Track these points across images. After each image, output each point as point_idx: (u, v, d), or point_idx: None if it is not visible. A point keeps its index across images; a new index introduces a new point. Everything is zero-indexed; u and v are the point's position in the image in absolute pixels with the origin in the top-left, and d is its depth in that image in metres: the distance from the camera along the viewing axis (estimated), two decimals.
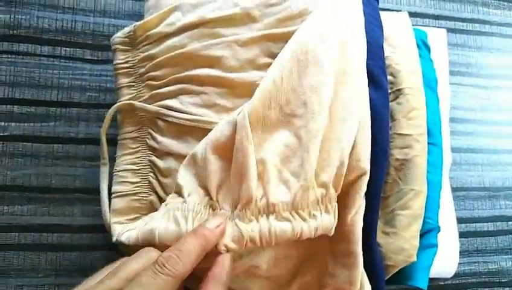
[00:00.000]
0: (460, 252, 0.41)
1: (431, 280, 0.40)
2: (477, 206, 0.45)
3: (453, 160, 0.44)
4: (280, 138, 0.26)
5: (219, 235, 0.24)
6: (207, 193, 0.26)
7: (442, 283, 0.42)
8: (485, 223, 0.44)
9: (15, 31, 0.37)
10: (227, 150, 0.26)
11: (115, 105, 0.32)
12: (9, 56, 0.37)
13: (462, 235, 0.43)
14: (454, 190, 0.44)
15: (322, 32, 0.27)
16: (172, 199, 0.27)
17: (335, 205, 0.26)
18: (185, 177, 0.27)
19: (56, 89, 0.37)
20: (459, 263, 0.41)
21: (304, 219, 0.25)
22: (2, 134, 0.36)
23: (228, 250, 0.25)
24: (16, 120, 0.36)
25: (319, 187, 0.26)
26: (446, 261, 0.38)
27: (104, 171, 0.32)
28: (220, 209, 0.26)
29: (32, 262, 0.35)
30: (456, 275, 0.41)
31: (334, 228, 0.26)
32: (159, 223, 0.25)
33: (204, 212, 0.26)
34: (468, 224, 0.44)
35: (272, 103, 0.26)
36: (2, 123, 0.36)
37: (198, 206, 0.26)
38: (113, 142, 0.34)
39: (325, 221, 0.25)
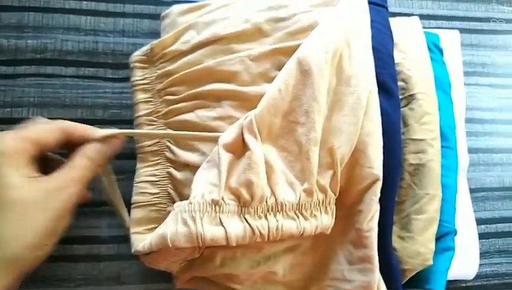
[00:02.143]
0: (481, 253, 0.41)
1: (453, 281, 0.41)
2: (497, 207, 0.44)
3: (472, 161, 0.43)
4: (283, 143, 0.28)
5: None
6: (213, 190, 0.27)
7: (464, 285, 0.42)
8: (507, 224, 0.44)
9: (42, 55, 0.40)
10: (236, 149, 0.28)
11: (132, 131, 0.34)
12: (37, 78, 0.39)
13: (483, 236, 0.43)
14: (473, 191, 0.43)
15: (327, 43, 0.28)
16: (179, 203, 0.27)
17: (333, 206, 0.29)
18: (196, 180, 0.28)
19: (81, 107, 0.39)
20: (481, 265, 0.41)
21: (306, 218, 0.27)
22: None
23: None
24: None
25: (320, 191, 0.28)
26: (466, 263, 0.38)
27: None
28: (226, 205, 0.26)
29: (64, 272, 0.37)
30: (478, 277, 0.41)
31: (331, 227, 0.29)
32: (169, 227, 0.26)
33: (210, 211, 0.26)
34: (488, 225, 0.44)
35: (276, 110, 0.28)
36: None
37: (203, 205, 0.26)
38: (132, 156, 0.35)
39: (324, 221, 0.28)
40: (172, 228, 0.26)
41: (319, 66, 0.28)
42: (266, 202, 0.26)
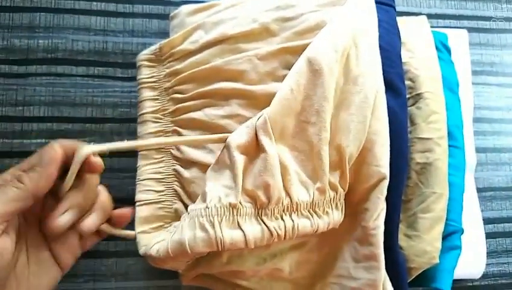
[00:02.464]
0: (488, 253, 0.40)
1: (459, 281, 0.41)
2: (505, 207, 0.44)
3: (480, 160, 0.43)
4: (294, 142, 0.28)
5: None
6: (230, 193, 0.27)
7: (471, 284, 0.42)
8: None
9: (53, 54, 0.40)
10: (250, 150, 0.28)
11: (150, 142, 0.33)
12: (48, 78, 0.40)
13: (490, 235, 0.43)
14: (481, 190, 0.43)
15: (336, 42, 0.28)
16: (194, 206, 0.27)
17: (343, 201, 0.29)
18: (209, 183, 0.28)
19: (90, 106, 0.40)
20: (488, 264, 0.41)
21: (319, 216, 0.28)
22: None
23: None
24: (55, 137, 0.39)
25: (331, 189, 0.28)
26: (473, 262, 0.38)
27: None
28: (243, 208, 0.26)
29: (73, 268, 0.38)
30: (485, 276, 0.41)
31: (340, 221, 0.29)
32: (186, 233, 0.26)
33: (228, 215, 0.26)
34: (496, 224, 0.43)
35: (289, 110, 0.28)
36: (43, 140, 0.39)
37: (220, 209, 0.26)
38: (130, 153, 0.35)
39: (336, 217, 0.29)
40: (190, 233, 0.26)
41: (329, 65, 0.28)
42: (282, 203, 0.27)
